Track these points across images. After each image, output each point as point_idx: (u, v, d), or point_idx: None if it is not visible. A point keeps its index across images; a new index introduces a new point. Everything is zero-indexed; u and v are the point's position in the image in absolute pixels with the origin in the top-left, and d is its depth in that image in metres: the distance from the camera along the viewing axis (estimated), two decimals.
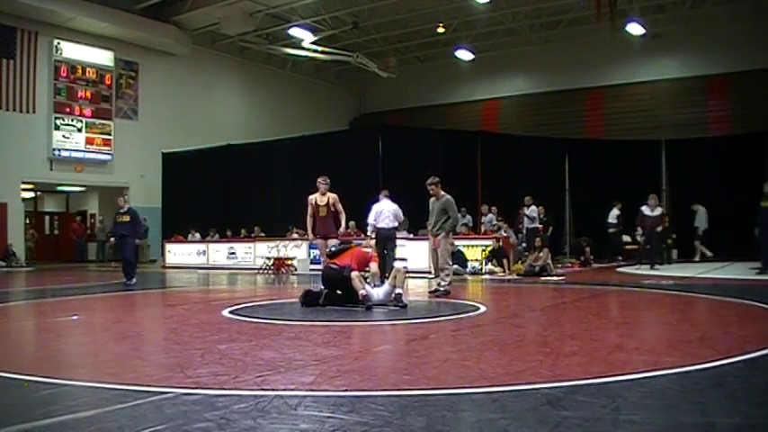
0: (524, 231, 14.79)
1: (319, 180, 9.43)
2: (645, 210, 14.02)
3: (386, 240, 10.52)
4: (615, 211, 16.29)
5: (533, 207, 14.69)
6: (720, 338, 5.09)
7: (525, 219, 14.75)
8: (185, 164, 20.79)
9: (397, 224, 10.69)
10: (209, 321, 6.52)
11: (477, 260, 13.78)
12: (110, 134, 21.83)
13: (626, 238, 17.24)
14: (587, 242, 16.00)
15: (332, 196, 9.42)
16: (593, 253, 15.92)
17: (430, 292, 9.02)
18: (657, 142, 19.00)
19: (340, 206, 9.47)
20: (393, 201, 10.75)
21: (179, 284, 13.00)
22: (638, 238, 14.53)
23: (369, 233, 10.50)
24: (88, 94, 21.28)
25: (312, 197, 9.45)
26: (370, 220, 10.48)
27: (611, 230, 16.40)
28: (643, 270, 13.44)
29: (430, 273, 10.44)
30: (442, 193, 9.06)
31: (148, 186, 22.23)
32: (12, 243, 19.75)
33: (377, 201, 10.83)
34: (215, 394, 3.38)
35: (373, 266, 7.83)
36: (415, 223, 13.77)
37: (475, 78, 26.62)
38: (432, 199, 9.15)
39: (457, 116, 26.02)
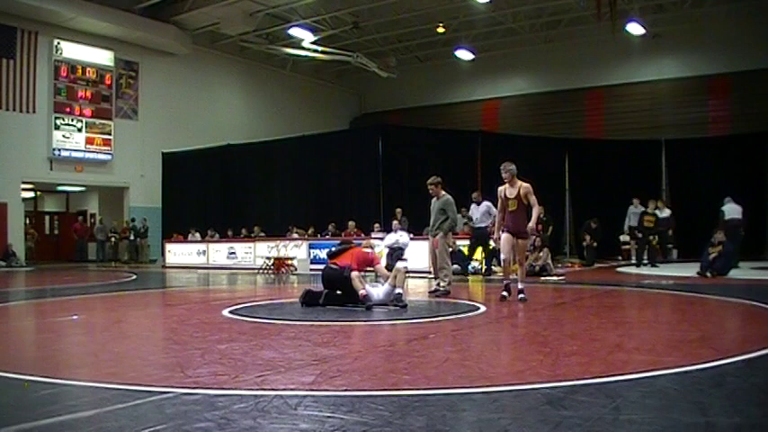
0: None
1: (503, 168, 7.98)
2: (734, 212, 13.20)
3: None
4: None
5: (485, 203, 12.80)
6: (720, 338, 5.09)
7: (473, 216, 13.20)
8: (185, 164, 20.80)
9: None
10: (210, 321, 6.51)
11: (477, 260, 13.77)
12: (110, 134, 21.83)
13: (624, 238, 17.21)
14: (595, 223, 15.63)
15: (523, 186, 7.87)
16: (596, 241, 15.70)
17: (430, 292, 9.02)
18: (657, 142, 19.01)
19: (534, 198, 7.79)
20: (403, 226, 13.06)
21: (179, 284, 12.98)
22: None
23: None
24: (88, 94, 21.27)
25: (501, 189, 8.06)
26: (386, 243, 12.97)
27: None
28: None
29: (430, 273, 10.44)
30: (443, 192, 9.06)
31: (148, 186, 22.26)
32: (12, 243, 19.75)
33: (390, 230, 12.99)
34: (215, 394, 3.38)
35: (378, 266, 7.87)
36: (414, 223, 13.77)
37: (475, 78, 26.61)
38: (432, 199, 9.16)
39: (457, 116, 26.00)
